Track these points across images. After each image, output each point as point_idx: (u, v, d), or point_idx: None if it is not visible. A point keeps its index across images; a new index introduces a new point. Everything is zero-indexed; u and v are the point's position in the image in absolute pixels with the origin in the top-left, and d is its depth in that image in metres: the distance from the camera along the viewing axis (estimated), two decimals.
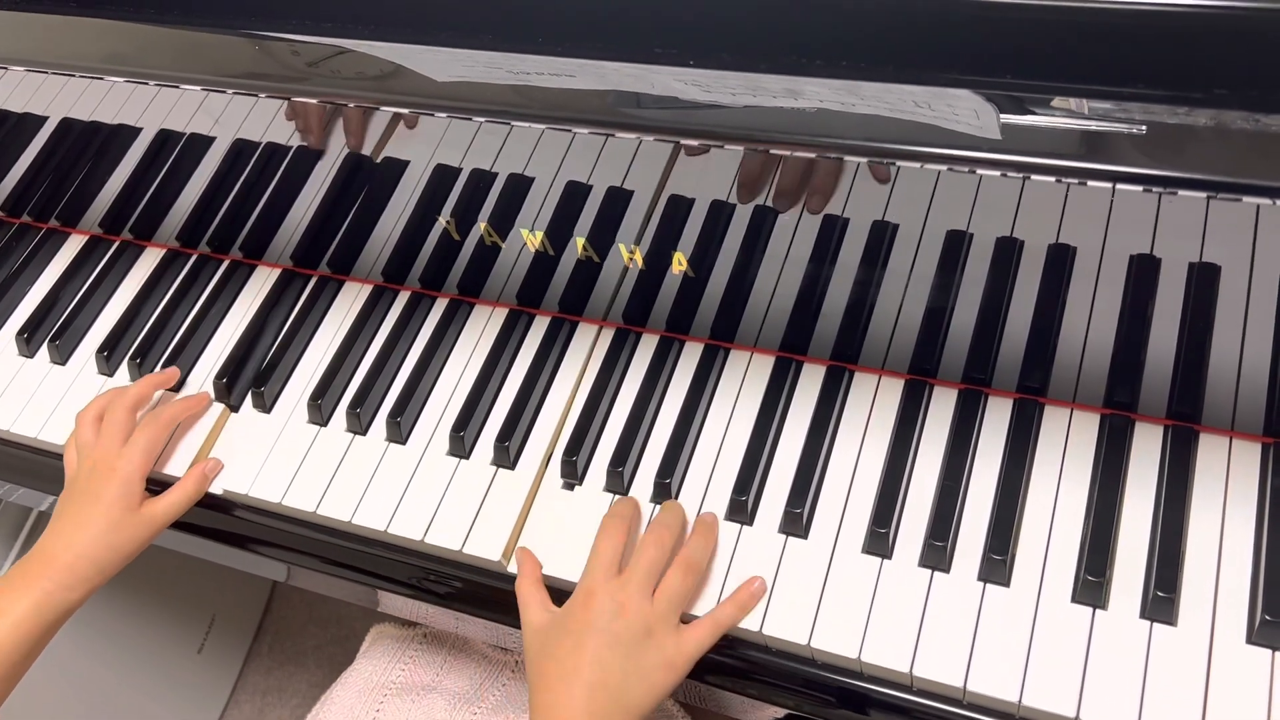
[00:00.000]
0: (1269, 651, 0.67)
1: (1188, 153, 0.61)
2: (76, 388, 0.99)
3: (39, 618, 0.80)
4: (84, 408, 0.91)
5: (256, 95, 0.84)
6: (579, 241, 0.86)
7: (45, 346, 1.02)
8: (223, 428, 0.93)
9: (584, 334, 0.92)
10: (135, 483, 0.85)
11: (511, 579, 0.82)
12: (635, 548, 0.75)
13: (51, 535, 0.83)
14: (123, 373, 0.99)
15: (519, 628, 0.83)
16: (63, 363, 1.01)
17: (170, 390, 0.96)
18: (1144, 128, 0.62)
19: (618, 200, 0.82)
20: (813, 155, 0.70)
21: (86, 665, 1.38)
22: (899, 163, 0.68)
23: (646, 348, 0.89)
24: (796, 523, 0.78)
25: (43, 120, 1.01)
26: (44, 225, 1.12)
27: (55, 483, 0.95)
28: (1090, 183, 0.64)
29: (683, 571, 0.74)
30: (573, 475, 0.84)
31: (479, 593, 0.84)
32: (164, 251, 1.07)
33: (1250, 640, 0.68)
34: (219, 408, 0.94)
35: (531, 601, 0.77)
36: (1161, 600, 0.69)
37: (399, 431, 0.89)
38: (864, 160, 0.69)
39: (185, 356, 0.97)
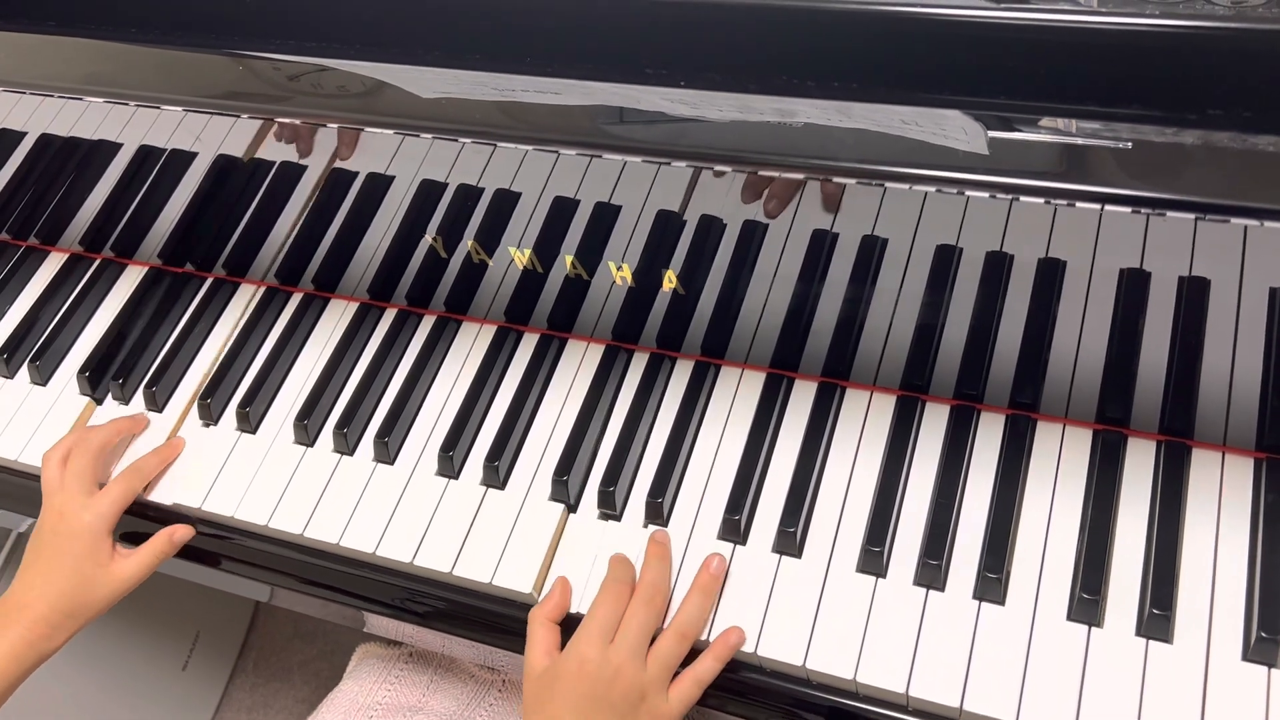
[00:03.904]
0: (1265, 668, 0.67)
1: (1176, 174, 0.61)
2: (58, 409, 0.98)
3: (17, 663, 0.80)
4: (51, 447, 0.89)
5: (238, 115, 0.83)
6: (567, 259, 0.86)
7: (25, 367, 1.01)
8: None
9: (573, 351, 0.91)
10: (103, 537, 0.84)
11: (501, 600, 0.82)
12: (627, 610, 0.75)
13: (24, 583, 0.83)
14: (104, 393, 0.98)
15: (506, 648, 0.83)
16: (43, 383, 1.00)
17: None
18: (1130, 144, 0.62)
19: (606, 216, 0.82)
20: (801, 177, 0.69)
21: (69, 683, 1.37)
22: (888, 184, 0.68)
23: (637, 365, 0.89)
24: (790, 542, 0.77)
25: (21, 136, 1.00)
26: (23, 243, 1.11)
27: (35, 505, 0.94)
28: (1079, 204, 0.64)
29: (677, 639, 0.74)
30: (563, 496, 0.83)
31: (468, 614, 0.83)
32: (146, 270, 1.05)
33: (1246, 657, 0.68)
34: (202, 429, 0.93)
35: (538, 642, 0.76)
36: (1157, 618, 0.69)
37: (386, 451, 0.88)
38: (853, 181, 0.69)
39: (168, 376, 0.96)
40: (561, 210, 0.83)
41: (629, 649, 0.72)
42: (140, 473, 0.88)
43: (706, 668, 0.74)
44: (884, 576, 0.75)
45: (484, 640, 0.84)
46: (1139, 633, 0.70)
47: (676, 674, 0.74)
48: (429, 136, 0.78)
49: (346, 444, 0.89)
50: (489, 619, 0.83)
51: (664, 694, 0.72)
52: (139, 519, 0.90)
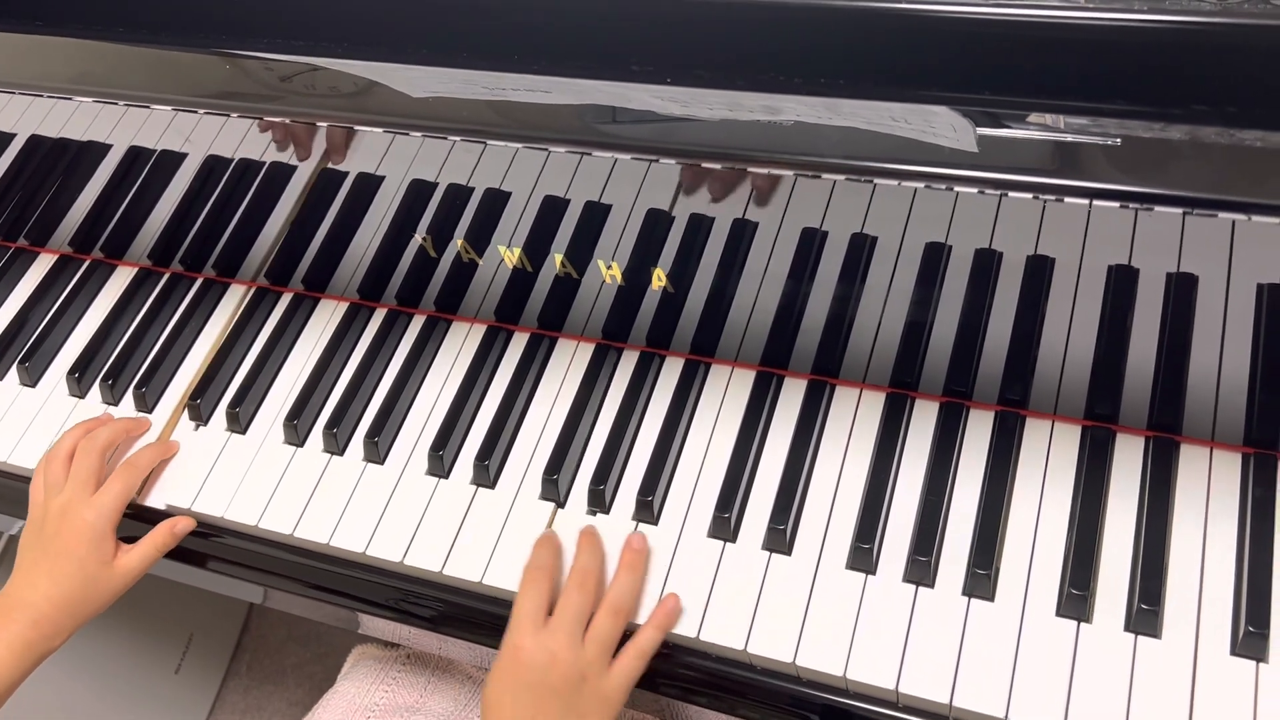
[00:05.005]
0: (1253, 663, 0.67)
1: (1164, 169, 0.61)
2: (47, 410, 0.97)
3: (19, 663, 0.80)
4: (54, 445, 0.89)
5: (228, 115, 0.82)
6: (557, 258, 0.86)
7: (15, 368, 1.00)
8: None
9: (563, 350, 0.91)
10: (108, 534, 0.84)
11: (491, 600, 0.82)
12: (560, 593, 0.75)
13: (24, 582, 0.82)
14: (94, 394, 0.98)
15: (498, 648, 0.82)
16: (33, 385, 1.00)
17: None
18: (1118, 140, 0.62)
19: (595, 215, 0.82)
20: (791, 173, 0.69)
21: (62, 686, 1.36)
22: (877, 180, 0.68)
23: (627, 363, 0.89)
24: (780, 539, 0.77)
25: (10, 137, 1.00)
26: (12, 244, 1.10)
27: (24, 507, 0.94)
28: (1067, 199, 0.64)
29: (610, 615, 0.74)
30: (554, 494, 0.83)
31: (461, 614, 0.83)
32: (135, 270, 1.05)
33: (1234, 652, 0.68)
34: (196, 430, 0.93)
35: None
36: (1146, 613, 0.69)
37: (377, 451, 0.88)
38: (841, 177, 0.69)
39: (158, 377, 0.96)
40: (551, 209, 0.83)
41: (565, 632, 0.72)
42: (136, 468, 0.88)
43: (647, 638, 0.74)
44: (873, 573, 0.75)
45: (475, 640, 0.84)
46: (1128, 628, 0.70)
47: (618, 651, 0.74)
48: (419, 135, 0.78)
49: (336, 444, 0.89)
50: (481, 618, 0.82)
51: (605, 672, 0.73)
52: (132, 520, 0.90)
